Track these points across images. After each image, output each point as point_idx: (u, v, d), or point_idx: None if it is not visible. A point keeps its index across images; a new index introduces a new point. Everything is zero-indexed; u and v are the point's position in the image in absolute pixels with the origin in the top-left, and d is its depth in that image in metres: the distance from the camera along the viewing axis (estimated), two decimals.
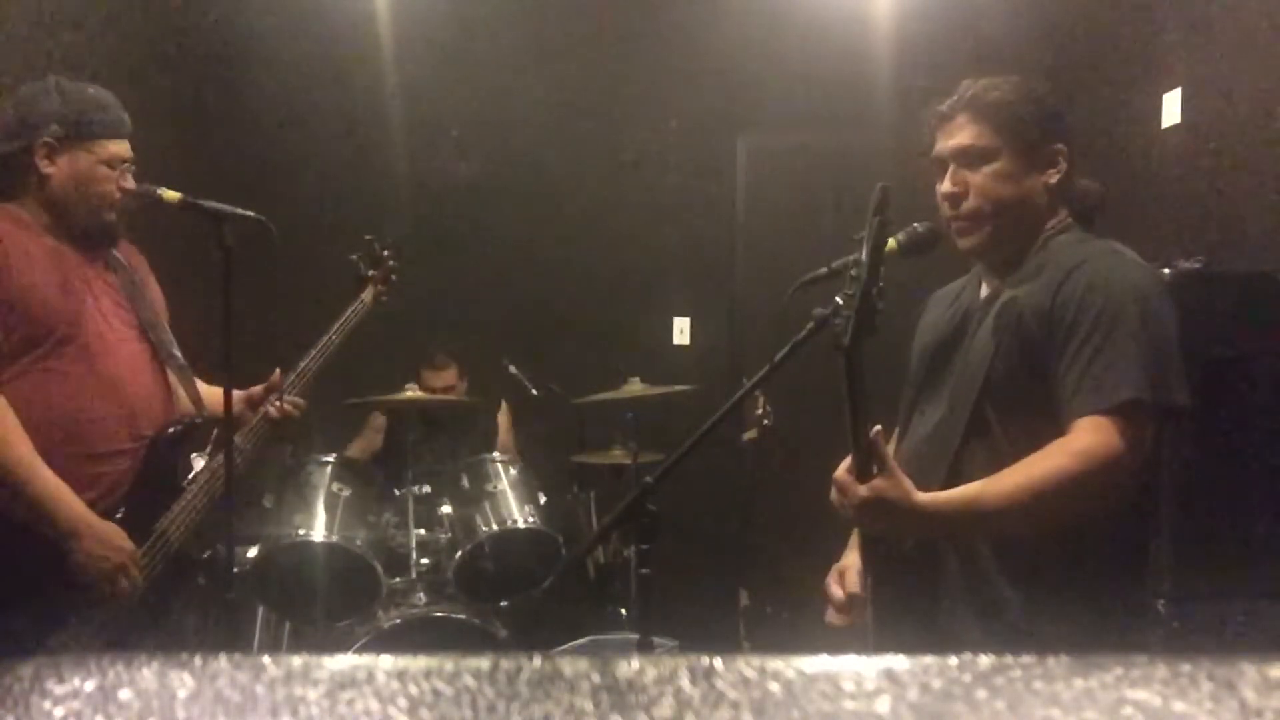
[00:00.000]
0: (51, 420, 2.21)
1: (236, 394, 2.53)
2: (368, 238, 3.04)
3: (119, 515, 2.27)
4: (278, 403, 2.54)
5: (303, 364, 2.66)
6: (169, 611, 2.39)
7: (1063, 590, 1.71)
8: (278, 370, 2.58)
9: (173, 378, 2.49)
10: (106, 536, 2.20)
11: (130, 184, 2.36)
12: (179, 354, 2.50)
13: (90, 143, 2.32)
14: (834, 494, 1.75)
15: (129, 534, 2.25)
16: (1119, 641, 1.71)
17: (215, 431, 2.46)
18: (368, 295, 2.95)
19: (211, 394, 2.52)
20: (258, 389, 2.56)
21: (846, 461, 1.71)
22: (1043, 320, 1.75)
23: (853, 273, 1.60)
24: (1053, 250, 1.84)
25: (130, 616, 2.25)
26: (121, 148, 2.37)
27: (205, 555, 2.47)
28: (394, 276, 3.04)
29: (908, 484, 1.65)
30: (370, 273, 3.01)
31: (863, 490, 1.66)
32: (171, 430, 2.41)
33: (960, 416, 1.80)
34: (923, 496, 1.66)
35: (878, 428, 1.64)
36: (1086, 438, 1.67)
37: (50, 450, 2.17)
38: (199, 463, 2.47)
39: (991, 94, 1.84)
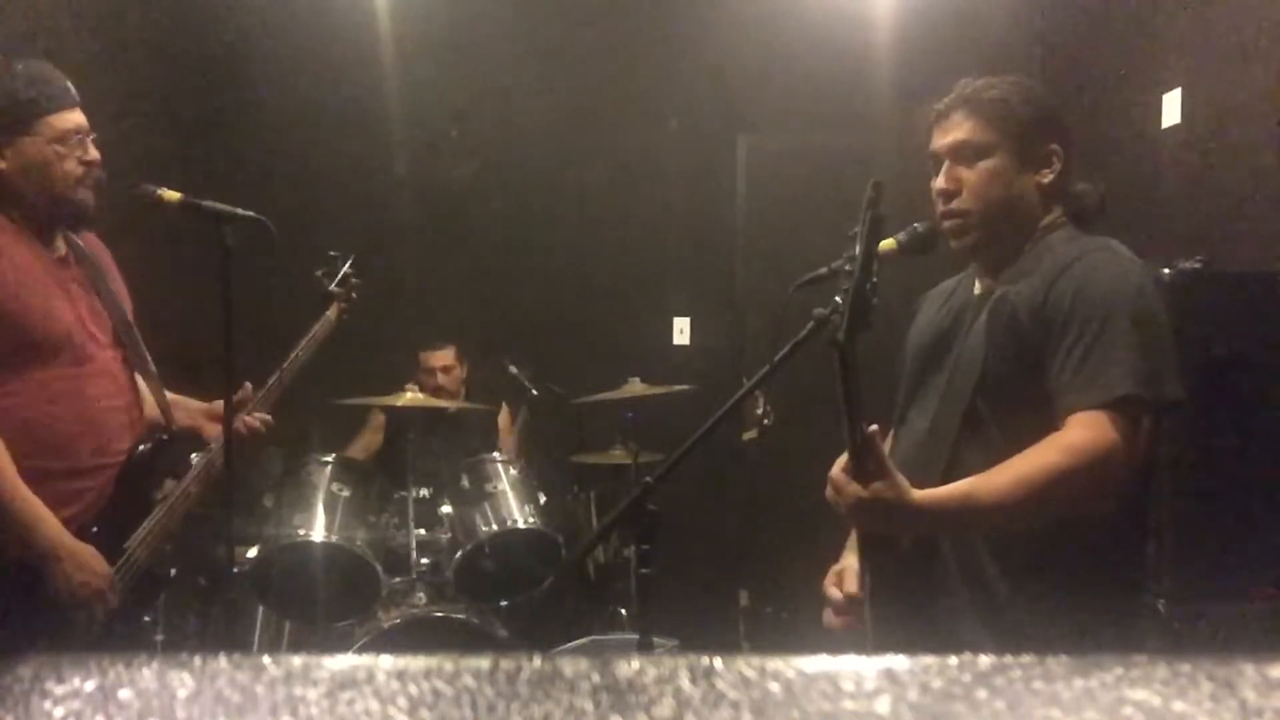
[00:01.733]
0: (36, 435, 2.13)
1: (199, 407, 2.47)
2: (331, 254, 2.98)
3: (94, 532, 2.20)
4: (245, 419, 2.42)
5: (270, 380, 2.54)
6: (137, 628, 2.34)
7: (1062, 590, 1.71)
8: (247, 385, 2.46)
9: (142, 385, 2.39)
10: (85, 560, 2.12)
11: (94, 154, 2.23)
12: (149, 360, 2.39)
13: (34, 123, 2.16)
14: (830, 491, 1.75)
15: (101, 551, 2.17)
16: (1119, 641, 1.71)
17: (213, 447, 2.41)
18: (332, 312, 2.88)
19: (177, 402, 2.44)
20: (218, 404, 2.38)
21: (843, 459, 1.71)
22: (1036, 316, 1.75)
23: (846, 268, 1.60)
24: (1046, 247, 1.84)
25: (96, 635, 2.17)
26: (70, 119, 2.19)
27: (172, 573, 2.40)
28: (355, 295, 2.95)
29: (904, 484, 1.65)
30: (334, 289, 2.93)
31: (859, 491, 1.65)
32: (143, 447, 2.33)
33: (955, 413, 1.80)
34: (918, 495, 1.66)
35: (874, 427, 1.64)
36: (1081, 433, 1.66)
37: (33, 465, 2.10)
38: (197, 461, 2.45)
39: (989, 92, 1.84)
